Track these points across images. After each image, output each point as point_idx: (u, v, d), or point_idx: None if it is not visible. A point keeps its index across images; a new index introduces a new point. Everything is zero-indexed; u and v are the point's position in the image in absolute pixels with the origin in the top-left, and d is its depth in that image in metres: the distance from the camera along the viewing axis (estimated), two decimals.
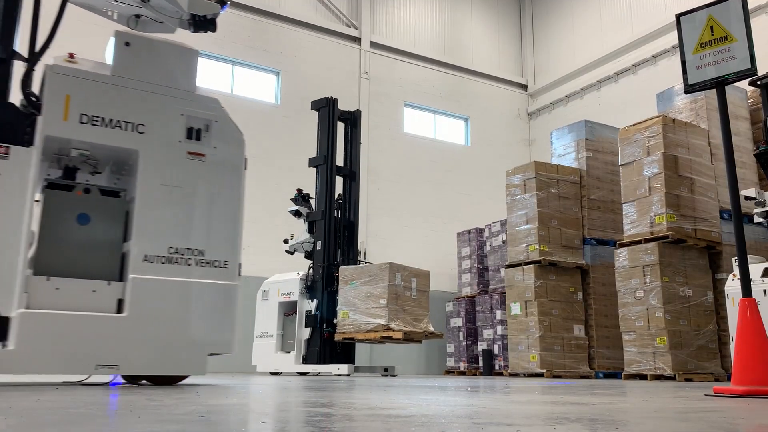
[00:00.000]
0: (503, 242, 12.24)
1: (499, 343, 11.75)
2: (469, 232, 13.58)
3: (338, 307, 9.06)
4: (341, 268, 9.25)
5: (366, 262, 10.85)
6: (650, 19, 14.41)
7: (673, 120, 9.06)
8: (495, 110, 17.33)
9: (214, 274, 4.59)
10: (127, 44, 4.66)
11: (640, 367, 8.50)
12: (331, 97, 10.26)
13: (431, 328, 9.05)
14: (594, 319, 10.45)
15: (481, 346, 12.21)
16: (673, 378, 8.15)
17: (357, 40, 15.56)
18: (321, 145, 9.96)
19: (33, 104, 4.39)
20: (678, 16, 4.75)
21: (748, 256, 4.47)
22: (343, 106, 12.22)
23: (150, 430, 1.57)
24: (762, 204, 7.58)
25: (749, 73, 4.33)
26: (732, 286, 7.12)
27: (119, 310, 4.32)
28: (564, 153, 11.38)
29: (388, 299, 8.55)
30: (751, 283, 4.69)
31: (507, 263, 10.94)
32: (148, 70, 4.67)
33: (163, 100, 4.65)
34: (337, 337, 8.98)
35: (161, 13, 5.15)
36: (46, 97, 4.29)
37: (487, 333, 12.18)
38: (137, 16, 5.37)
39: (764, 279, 6.74)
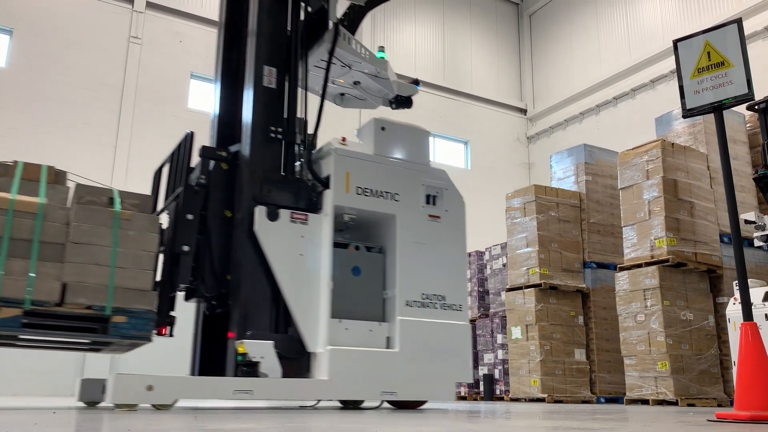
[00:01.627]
0: (503, 265, 12.21)
1: (500, 367, 11.66)
2: (470, 255, 13.57)
3: None
4: None
5: None
6: (648, 44, 14.55)
7: (672, 144, 9.11)
8: (494, 134, 17.42)
9: (453, 316, 5.52)
10: (383, 128, 5.66)
11: (642, 392, 8.42)
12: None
13: None
14: (595, 343, 10.38)
15: (482, 371, 12.11)
16: (675, 403, 8.07)
17: None
18: None
19: (317, 179, 5.28)
20: (675, 42, 4.79)
21: (748, 279, 4.46)
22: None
23: None
24: (762, 228, 7.59)
25: (746, 97, 4.37)
26: (733, 309, 7.08)
27: (387, 346, 5.23)
28: (563, 176, 11.41)
29: None
30: (752, 307, 4.67)
31: (507, 286, 10.90)
32: (398, 149, 5.69)
33: (409, 173, 5.66)
34: None
35: (367, 92, 6.13)
36: (333, 174, 5.25)
37: (488, 357, 12.10)
38: (342, 94, 6.33)
39: (765, 303, 6.71)
